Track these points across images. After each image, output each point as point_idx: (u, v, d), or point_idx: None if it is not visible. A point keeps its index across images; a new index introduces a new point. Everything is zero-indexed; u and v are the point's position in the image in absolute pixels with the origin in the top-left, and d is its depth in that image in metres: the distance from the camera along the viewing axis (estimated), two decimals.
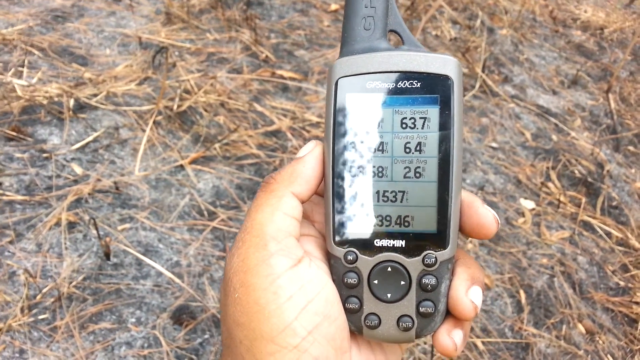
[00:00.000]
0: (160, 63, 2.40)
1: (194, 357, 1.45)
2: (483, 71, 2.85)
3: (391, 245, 0.45)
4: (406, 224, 0.45)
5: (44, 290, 1.50)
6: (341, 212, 0.46)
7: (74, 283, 1.53)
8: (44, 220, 1.67)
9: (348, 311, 0.46)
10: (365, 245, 0.46)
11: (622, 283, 1.99)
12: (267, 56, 2.65)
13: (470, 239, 1.95)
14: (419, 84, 0.45)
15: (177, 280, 1.59)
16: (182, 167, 1.97)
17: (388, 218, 0.45)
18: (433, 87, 0.45)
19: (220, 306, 0.47)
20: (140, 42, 2.52)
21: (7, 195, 1.71)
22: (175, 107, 2.16)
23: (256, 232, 0.44)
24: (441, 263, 0.45)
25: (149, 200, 1.82)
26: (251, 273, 0.43)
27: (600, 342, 1.77)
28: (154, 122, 2.09)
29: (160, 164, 1.96)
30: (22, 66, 2.20)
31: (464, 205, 0.46)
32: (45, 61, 2.30)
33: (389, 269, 0.45)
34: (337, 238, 0.46)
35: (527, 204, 2.20)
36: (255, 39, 2.70)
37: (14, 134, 1.90)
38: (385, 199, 0.45)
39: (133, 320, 1.49)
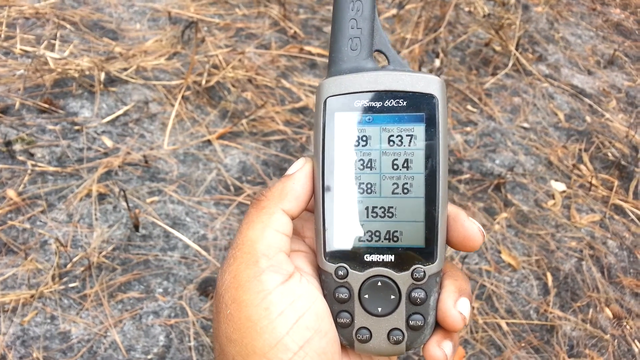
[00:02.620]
0: (189, 38, 2.40)
1: None
2: (517, 49, 2.78)
3: (381, 260, 0.46)
4: (395, 239, 0.46)
5: (75, 259, 1.54)
6: (331, 228, 0.47)
7: (103, 253, 1.57)
8: (75, 192, 1.71)
9: (340, 325, 0.47)
10: (355, 261, 0.46)
11: None
12: (295, 32, 2.62)
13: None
14: (404, 102, 0.46)
15: (203, 252, 1.62)
16: (209, 142, 1.99)
17: (377, 233, 0.46)
18: (418, 105, 0.46)
19: (212, 323, 0.48)
20: (169, 17, 2.52)
21: (40, 166, 1.75)
22: (203, 82, 2.17)
23: (247, 249, 0.45)
24: (430, 277, 0.46)
25: (177, 174, 1.85)
26: (243, 289, 0.43)
27: (628, 327, 1.74)
28: (183, 97, 2.10)
29: (188, 138, 1.98)
30: (54, 39, 2.23)
31: (450, 219, 0.47)
32: (77, 35, 2.32)
33: (379, 284, 0.46)
34: (328, 254, 0.47)
35: (558, 186, 2.16)
36: (284, 14, 2.68)
37: (47, 106, 1.94)
38: (375, 214, 0.46)
39: (160, 290, 1.52)
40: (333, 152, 0.47)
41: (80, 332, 1.40)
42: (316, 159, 0.47)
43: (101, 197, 1.71)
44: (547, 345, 1.63)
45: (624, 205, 2.14)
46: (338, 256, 0.47)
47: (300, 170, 0.48)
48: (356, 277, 0.46)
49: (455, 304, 0.46)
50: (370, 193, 0.46)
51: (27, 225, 1.60)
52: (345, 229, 0.47)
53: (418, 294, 0.46)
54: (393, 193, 0.46)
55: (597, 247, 1.95)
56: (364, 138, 0.47)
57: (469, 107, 2.46)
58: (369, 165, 0.46)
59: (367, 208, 0.46)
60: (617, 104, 2.71)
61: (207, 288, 1.54)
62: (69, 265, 1.52)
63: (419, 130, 0.46)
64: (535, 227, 1.97)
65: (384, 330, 0.47)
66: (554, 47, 3.04)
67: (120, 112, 2.00)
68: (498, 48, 2.84)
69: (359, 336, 0.47)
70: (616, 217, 2.09)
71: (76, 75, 2.09)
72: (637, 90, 2.86)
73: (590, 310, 1.75)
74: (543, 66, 2.85)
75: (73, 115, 1.96)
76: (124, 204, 1.68)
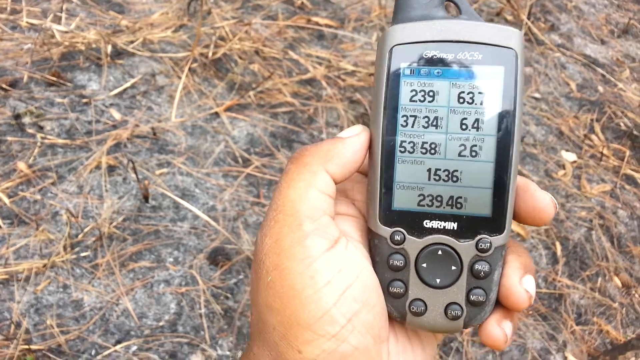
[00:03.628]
0: (195, 10, 2.38)
1: (229, 295, 1.49)
2: (529, 18, 2.73)
3: (442, 227, 0.42)
4: (459, 205, 0.42)
5: (86, 230, 1.56)
6: (389, 189, 0.43)
7: (114, 223, 1.58)
8: (84, 164, 1.72)
9: (391, 295, 0.43)
10: (414, 226, 0.43)
11: None
12: (302, 3, 2.59)
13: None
14: (480, 55, 0.42)
15: (212, 223, 1.63)
16: (217, 114, 1.98)
17: (439, 198, 0.42)
18: (496, 59, 0.41)
19: (250, 290, 0.44)
20: None
21: (49, 139, 1.76)
22: (210, 54, 2.16)
23: (289, 211, 0.41)
24: (495, 249, 0.42)
25: (185, 147, 1.85)
26: (286, 255, 0.40)
27: (637, 295, 1.74)
28: (190, 69, 2.10)
29: (195, 111, 1.98)
30: (61, 12, 2.22)
31: (519, 188, 0.43)
32: (83, 9, 2.31)
33: (439, 252, 0.42)
34: (384, 216, 0.43)
35: (569, 157, 2.14)
36: None
37: (54, 79, 1.94)
38: (437, 177, 0.42)
39: (171, 259, 1.54)
40: (396, 106, 0.43)
41: (92, 300, 1.42)
42: (375, 113, 0.43)
43: (111, 169, 1.73)
44: (555, 313, 1.64)
45: (635, 175, 2.12)
46: (395, 220, 0.43)
47: (355, 137, 0.43)
48: (414, 244, 0.43)
49: (521, 281, 0.42)
50: (435, 154, 0.42)
51: (38, 197, 1.61)
52: (404, 191, 0.43)
53: (482, 266, 0.42)
54: (460, 155, 0.42)
55: (607, 216, 1.94)
56: (431, 93, 0.42)
57: None
58: (434, 123, 0.42)
59: (429, 170, 0.42)
60: (630, 74, 2.67)
61: (217, 257, 1.55)
62: (80, 236, 1.54)
63: (495, 87, 0.41)
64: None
65: (441, 304, 0.43)
66: (566, 16, 2.98)
67: (128, 84, 2.00)
68: (510, 17, 2.79)
69: (412, 308, 0.43)
70: (627, 187, 2.08)
71: (83, 48, 2.08)
72: None
73: (599, 279, 1.75)
74: (555, 36, 2.80)
75: (81, 88, 1.96)
76: (134, 175, 1.69)
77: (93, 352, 1.33)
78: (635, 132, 2.29)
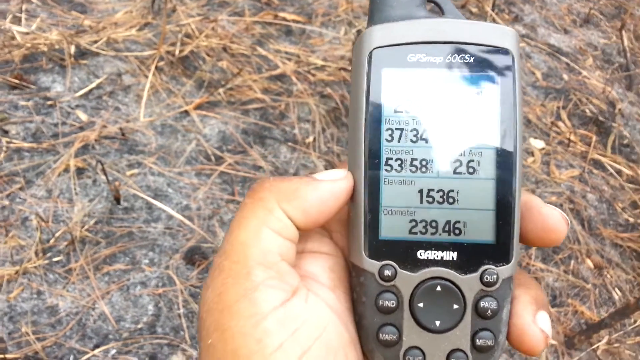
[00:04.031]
0: (159, 8, 2.34)
1: None
2: (493, 10, 2.77)
3: (440, 258, 0.36)
4: (457, 231, 0.36)
5: (57, 234, 1.51)
6: (375, 215, 0.36)
7: (86, 227, 1.54)
8: (52, 167, 1.67)
9: (383, 344, 0.36)
10: (406, 258, 0.36)
11: (631, 219, 1.99)
12: None
13: None
14: (472, 58, 0.36)
15: (187, 222, 1.61)
16: (187, 112, 1.96)
17: (434, 224, 0.36)
18: (490, 62, 0.36)
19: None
20: None
21: (15, 143, 1.71)
22: (177, 52, 2.12)
23: (236, 257, 0.34)
24: (503, 281, 0.36)
25: (155, 146, 1.82)
26: (229, 313, 0.33)
27: (608, 276, 1.78)
28: (157, 68, 2.06)
29: (164, 110, 1.95)
30: (20, 13, 2.16)
31: (523, 207, 0.37)
32: (44, 9, 2.25)
33: (438, 289, 0.36)
34: (370, 248, 0.36)
35: (537, 144, 2.18)
36: None
37: (17, 81, 1.88)
38: (431, 199, 0.36)
39: (146, 261, 1.51)
40: (379, 118, 0.37)
41: (67, 306, 1.39)
42: (355, 127, 0.37)
43: (79, 171, 1.68)
44: None
45: (603, 159, 2.18)
46: (383, 251, 0.36)
47: (330, 182, 0.36)
48: (407, 279, 0.36)
49: (535, 319, 0.35)
50: (426, 172, 0.36)
51: (6, 202, 1.56)
52: (393, 217, 0.36)
53: (489, 303, 0.35)
54: (455, 172, 0.36)
55: (577, 200, 1.98)
56: (419, 102, 0.37)
57: None
58: (424, 137, 0.36)
59: (420, 191, 0.36)
60: (593, 62, 2.74)
61: (194, 257, 1.53)
62: (51, 241, 1.50)
63: (491, 93, 0.36)
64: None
65: (443, 352, 0.36)
66: (530, 7, 3.03)
67: (93, 85, 1.95)
68: (475, 9, 2.82)
69: (408, 358, 0.36)
70: (595, 171, 2.13)
71: (45, 49, 2.03)
72: (612, 47, 2.88)
73: (572, 262, 1.79)
74: (519, 26, 2.85)
75: (45, 90, 1.91)
76: (103, 177, 1.65)
77: (71, 358, 1.30)
78: (600, 118, 2.35)
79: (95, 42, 2.12)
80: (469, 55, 0.37)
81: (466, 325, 0.36)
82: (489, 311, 0.35)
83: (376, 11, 0.40)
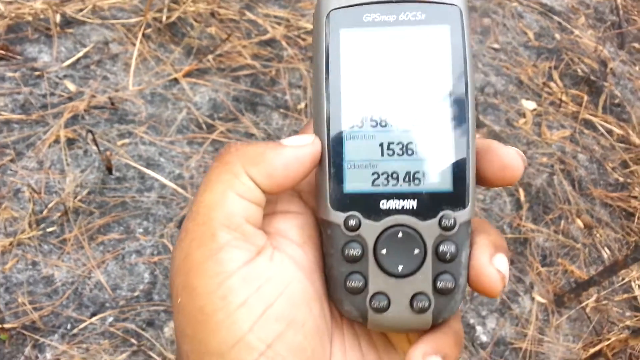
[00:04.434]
0: None
1: None
2: None
3: (401, 207, 0.38)
4: (417, 181, 0.38)
5: (50, 205, 1.52)
6: (339, 170, 0.38)
7: (79, 197, 1.55)
8: (42, 138, 1.67)
9: (350, 291, 0.38)
10: (369, 208, 0.38)
11: (621, 179, 2.01)
12: None
13: None
14: (424, 15, 0.38)
15: (181, 190, 1.61)
16: (176, 80, 1.94)
17: (395, 175, 0.38)
18: (441, 18, 0.38)
19: None
20: None
21: (3, 115, 1.70)
22: (164, 18, 2.09)
23: (202, 219, 0.35)
24: (461, 225, 0.37)
25: (146, 115, 1.81)
26: (195, 273, 0.34)
27: (598, 235, 1.81)
28: (144, 35, 2.03)
29: (154, 78, 1.93)
30: None
31: (481, 150, 0.39)
32: None
33: (400, 235, 0.38)
34: (335, 200, 0.38)
35: (529, 105, 2.18)
36: None
37: (3, 52, 1.85)
38: (391, 152, 0.38)
39: (141, 230, 1.52)
40: (339, 77, 0.38)
41: (63, 275, 1.41)
42: (317, 86, 0.39)
43: (70, 142, 1.68)
44: (521, 257, 1.70)
45: (594, 119, 2.18)
46: (348, 203, 0.38)
47: (296, 148, 0.37)
48: (371, 228, 0.38)
49: (492, 260, 0.37)
50: (386, 126, 0.38)
51: None
52: (356, 170, 0.38)
53: (447, 247, 0.37)
54: (412, 125, 0.38)
55: (568, 161, 2.00)
56: (375, 59, 0.39)
57: None
58: (382, 93, 0.38)
59: (381, 144, 0.38)
60: (585, 21, 2.71)
61: None
62: (45, 212, 1.51)
63: (441, 47, 0.38)
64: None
65: (406, 296, 0.38)
66: None
67: (80, 54, 1.93)
68: None
69: (374, 304, 0.37)
70: (586, 131, 2.14)
71: (30, 19, 1.99)
72: (605, 5, 2.85)
73: (562, 222, 1.81)
74: None
75: (32, 60, 1.88)
76: (94, 147, 1.65)
77: (69, 326, 1.32)
78: (592, 78, 2.34)
79: (81, 10, 2.08)
80: (419, 12, 0.39)
81: (427, 269, 0.38)
82: (449, 254, 0.37)
83: None
